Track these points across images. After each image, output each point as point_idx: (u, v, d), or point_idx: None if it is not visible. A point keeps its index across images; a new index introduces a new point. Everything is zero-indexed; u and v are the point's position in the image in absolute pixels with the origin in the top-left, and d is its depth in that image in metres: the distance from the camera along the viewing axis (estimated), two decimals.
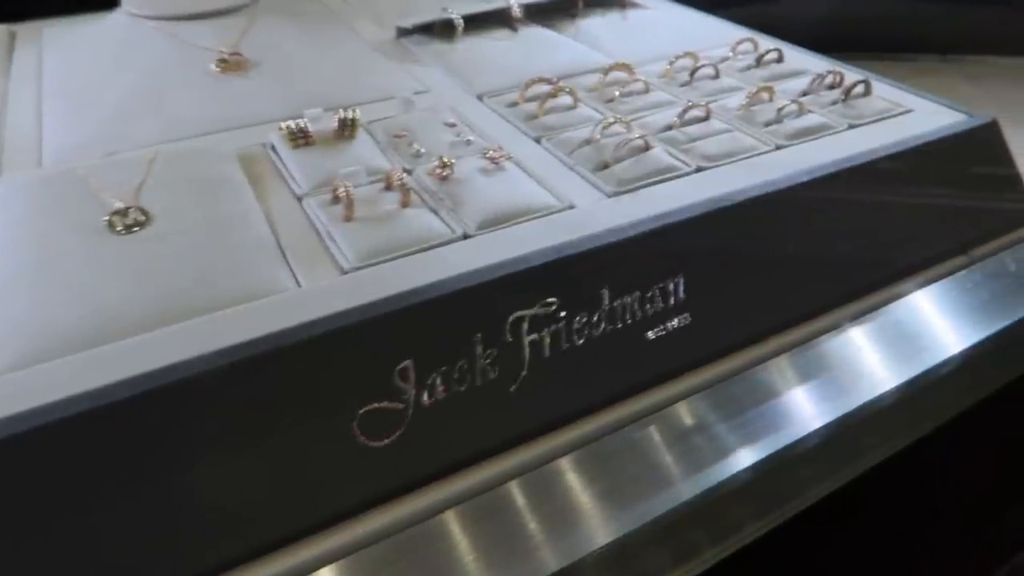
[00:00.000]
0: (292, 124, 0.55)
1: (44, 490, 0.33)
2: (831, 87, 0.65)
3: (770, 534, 0.46)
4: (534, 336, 0.42)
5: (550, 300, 0.42)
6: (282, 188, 0.52)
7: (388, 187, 0.50)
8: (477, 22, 0.76)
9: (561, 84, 0.63)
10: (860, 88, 0.64)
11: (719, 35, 0.77)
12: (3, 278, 0.43)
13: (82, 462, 0.34)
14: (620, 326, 0.45)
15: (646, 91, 0.65)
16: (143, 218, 0.47)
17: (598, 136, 0.56)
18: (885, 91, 0.65)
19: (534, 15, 0.79)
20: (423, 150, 0.55)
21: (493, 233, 0.47)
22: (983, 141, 0.61)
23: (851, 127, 0.60)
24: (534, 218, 0.49)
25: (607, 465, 0.42)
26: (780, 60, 0.71)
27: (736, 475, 0.42)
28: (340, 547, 0.37)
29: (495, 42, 0.74)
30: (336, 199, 0.49)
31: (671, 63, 0.68)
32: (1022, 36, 1.14)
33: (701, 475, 0.42)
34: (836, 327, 0.52)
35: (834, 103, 0.63)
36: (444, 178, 0.51)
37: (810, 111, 0.61)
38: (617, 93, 0.64)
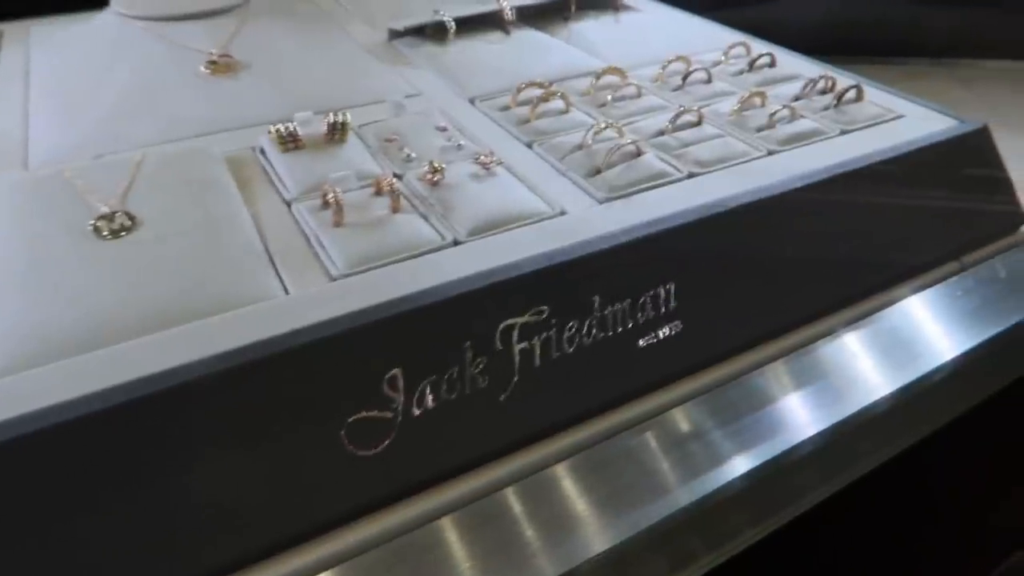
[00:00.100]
0: (282, 127, 0.54)
1: (31, 496, 0.33)
2: (823, 92, 0.65)
3: (766, 540, 0.46)
4: (524, 344, 0.42)
5: (541, 308, 0.42)
6: (271, 192, 0.52)
7: (378, 192, 0.50)
8: (469, 24, 0.75)
9: (553, 88, 0.62)
10: (852, 93, 0.64)
11: (712, 39, 0.77)
12: None
13: (65, 471, 0.34)
14: (611, 334, 0.44)
15: (638, 95, 0.65)
16: (129, 223, 0.46)
17: (590, 141, 0.56)
18: (877, 96, 0.66)
19: (527, 18, 0.79)
20: (414, 154, 0.55)
21: (484, 240, 0.47)
22: (974, 147, 0.61)
23: (843, 133, 0.60)
24: (525, 225, 0.48)
25: (603, 472, 0.42)
26: (772, 65, 0.71)
27: (732, 482, 0.42)
28: (332, 555, 0.37)
29: (487, 45, 0.74)
30: (326, 204, 0.48)
31: (664, 67, 0.68)
32: (1013, 39, 1.15)
33: (697, 482, 0.42)
34: (830, 333, 0.52)
35: (826, 108, 0.63)
36: (435, 183, 0.51)
37: (802, 116, 0.61)
38: (609, 97, 0.64)
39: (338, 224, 0.47)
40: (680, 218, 0.48)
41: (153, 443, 0.35)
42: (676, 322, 0.46)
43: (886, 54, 1.17)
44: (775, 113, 0.60)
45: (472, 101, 0.65)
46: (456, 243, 0.47)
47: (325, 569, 0.36)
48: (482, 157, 0.53)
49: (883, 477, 0.52)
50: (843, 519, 0.60)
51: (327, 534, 0.37)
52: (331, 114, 0.56)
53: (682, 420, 0.45)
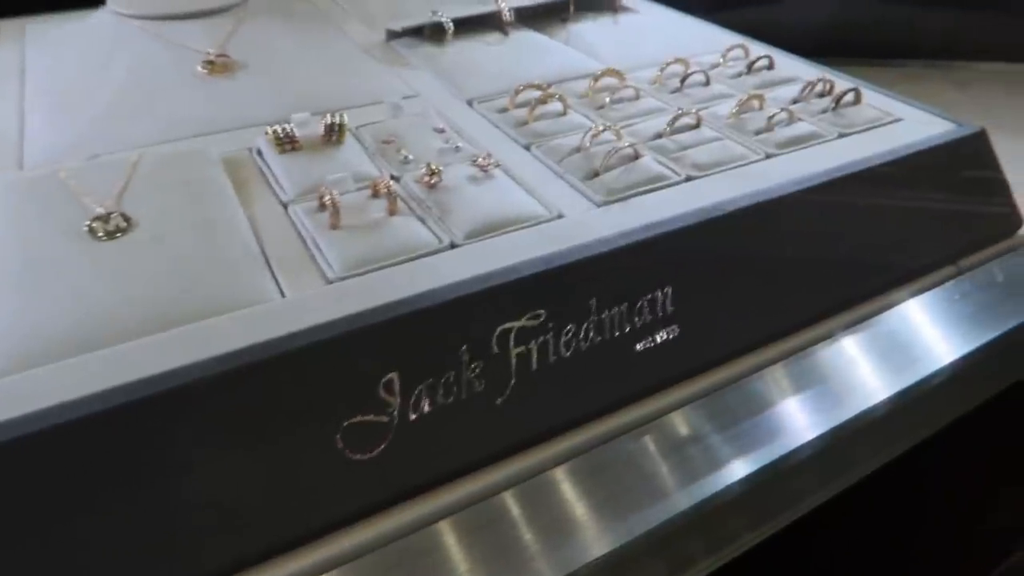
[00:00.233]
0: (279, 128, 0.54)
1: (23, 498, 0.33)
2: (821, 95, 0.65)
3: (765, 543, 0.47)
4: (521, 348, 0.42)
5: (538, 312, 0.42)
6: (268, 194, 0.52)
7: (375, 194, 0.50)
8: (467, 25, 0.75)
9: (551, 90, 0.62)
10: (850, 96, 0.64)
11: (710, 41, 0.77)
12: None
13: (59, 474, 0.33)
14: (608, 338, 0.44)
15: (636, 98, 0.65)
16: (125, 224, 0.46)
17: (588, 144, 0.55)
18: (875, 99, 0.66)
19: (525, 19, 0.79)
20: (411, 156, 0.55)
21: (481, 243, 0.47)
22: (972, 150, 0.61)
23: (841, 136, 0.60)
24: (522, 228, 0.48)
25: (602, 476, 0.42)
26: (771, 67, 0.71)
27: (731, 486, 0.42)
28: (327, 559, 0.37)
29: (486, 46, 0.74)
30: (322, 206, 0.48)
31: (662, 69, 0.68)
32: (1008, 42, 1.15)
33: (696, 486, 0.42)
34: (827, 337, 0.51)
35: (824, 111, 0.63)
36: (432, 186, 0.51)
37: (800, 119, 0.61)
38: (608, 99, 0.63)
39: (335, 226, 0.47)
40: (678, 222, 0.48)
41: (147, 446, 0.35)
42: (673, 326, 0.46)
43: (881, 56, 1.17)
44: (773, 116, 0.60)
45: (470, 103, 0.65)
46: (453, 246, 0.47)
47: (321, 573, 0.36)
48: (480, 159, 0.53)
49: (881, 481, 0.52)
50: (842, 523, 0.60)
51: (323, 538, 0.37)
52: (328, 115, 0.55)
53: (680, 424, 0.45)
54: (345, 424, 0.38)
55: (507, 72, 0.68)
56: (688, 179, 0.54)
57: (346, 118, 0.56)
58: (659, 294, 0.46)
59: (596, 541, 0.39)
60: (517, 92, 0.63)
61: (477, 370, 0.41)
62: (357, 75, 0.68)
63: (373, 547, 0.37)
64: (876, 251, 0.55)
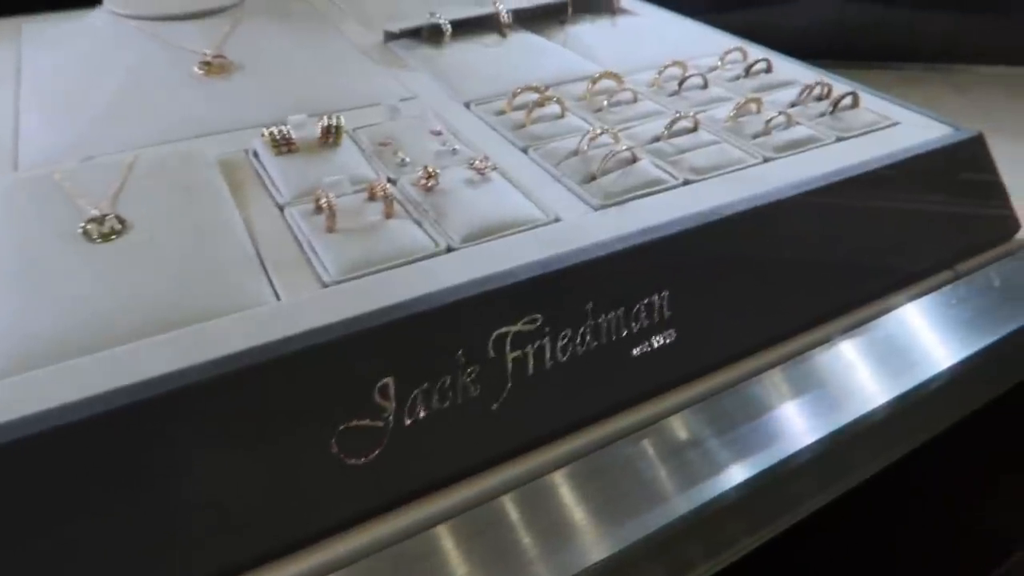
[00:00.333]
0: (275, 130, 0.54)
1: (13, 502, 0.33)
2: (819, 99, 0.65)
3: (764, 548, 0.46)
4: (517, 353, 0.41)
5: (534, 316, 0.42)
6: (264, 196, 0.51)
7: (372, 197, 0.49)
8: (465, 27, 0.75)
9: (549, 93, 0.62)
10: (848, 100, 0.64)
11: (709, 44, 0.77)
12: None
13: (50, 478, 0.33)
14: (605, 342, 0.44)
15: (634, 101, 0.64)
16: (120, 226, 0.46)
17: (585, 147, 0.55)
18: (873, 103, 0.65)
19: (523, 21, 0.79)
20: (408, 159, 0.55)
21: (477, 246, 0.47)
22: (969, 155, 0.61)
23: (839, 140, 0.60)
24: (519, 231, 0.48)
25: (600, 480, 0.41)
26: (769, 70, 0.71)
27: (729, 490, 0.42)
28: (323, 564, 0.37)
29: (483, 48, 0.74)
30: (319, 209, 0.48)
31: (660, 72, 0.68)
32: (1008, 45, 1.15)
33: (694, 490, 0.42)
34: (825, 342, 0.51)
35: (822, 115, 0.63)
36: (429, 189, 0.51)
37: (798, 123, 0.61)
38: (605, 102, 0.63)
39: (331, 229, 0.46)
40: (675, 226, 0.48)
41: (140, 451, 0.35)
42: (670, 330, 0.46)
43: (880, 59, 1.17)
44: (771, 120, 0.60)
45: (467, 105, 0.64)
46: (450, 250, 0.46)
47: None
48: (477, 162, 0.53)
49: (880, 484, 0.52)
50: (840, 526, 0.60)
51: (318, 543, 0.37)
52: (325, 117, 0.55)
53: (679, 428, 0.45)
54: (340, 429, 0.38)
55: (505, 74, 0.68)
56: (686, 183, 0.54)
57: (343, 120, 0.56)
58: (656, 298, 0.46)
59: (595, 545, 0.39)
60: (515, 94, 0.62)
61: (473, 375, 0.40)
62: (354, 77, 0.68)
63: (369, 552, 0.37)
64: (873, 256, 0.55)
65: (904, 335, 0.54)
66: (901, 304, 0.55)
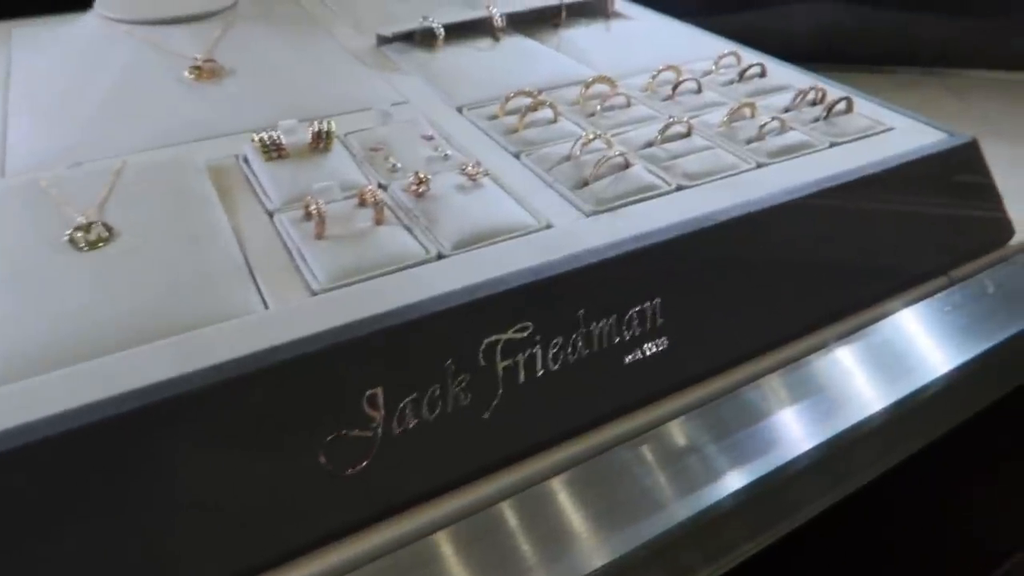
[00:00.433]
0: (265, 136, 0.54)
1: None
2: (813, 103, 0.65)
3: (763, 553, 0.46)
4: (508, 361, 0.41)
5: (525, 324, 0.41)
6: (253, 203, 0.51)
7: (362, 203, 0.49)
8: (458, 31, 0.75)
9: (542, 97, 0.62)
10: (842, 105, 0.64)
11: (703, 48, 0.77)
12: None
13: (32, 491, 0.33)
14: (597, 350, 0.44)
15: (628, 105, 0.64)
16: (107, 234, 0.45)
17: (578, 152, 0.55)
18: (867, 108, 0.65)
19: (516, 25, 0.78)
20: (400, 164, 0.54)
21: (468, 253, 0.46)
22: (963, 160, 0.61)
23: (832, 145, 0.60)
24: (510, 238, 0.48)
25: (598, 487, 0.41)
26: (763, 75, 0.71)
27: (728, 496, 0.42)
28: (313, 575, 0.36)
29: (476, 52, 0.73)
30: (308, 215, 0.48)
31: (654, 76, 0.68)
32: (1006, 49, 1.15)
33: (693, 496, 0.42)
34: (821, 348, 0.51)
35: (816, 120, 0.63)
36: (420, 195, 0.50)
37: (792, 128, 0.61)
38: (599, 107, 0.63)
39: (320, 236, 0.46)
40: (668, 232, 0.47)
41: (126, 462, 0.34)
42: (663, 338, 0.46)
43: (878, 63, 1.16)
44: (765, 125, 0.60)
45: (460, 109, 0.64)
46: (440, 257, 0.46)
47: None
48: (468, 168, 0.52)
49: (878, 490, 0.52)
50: (839, 532, 0.60)
51: (305, 556, 0.37)
52: (316, 122, 0.55)
53: (677, 435, 0.45)
54: (328, 439, 0.37)
55: (498, 79, 0.67)
56: (679, 188, 0.54)
57: (334, 125, 0.55)
58: (648, 306, 0.45)
59: (594, 552, 0.39)
60: (507, 99, 0.62)
61: (463, 383, 0.40)
62: (346, 81, 0.68)
63: (360, 563, 0.37)
64: (867, 262, 0.55)
65: (900, 341, 0.53)
66: (896, 310, 0.55)
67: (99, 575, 0.33)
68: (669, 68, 0.68)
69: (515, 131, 0.60)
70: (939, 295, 0.57)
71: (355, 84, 0.68)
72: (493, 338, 0.41)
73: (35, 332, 0.39)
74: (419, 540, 0.38)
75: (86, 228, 0.45)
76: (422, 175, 0.51)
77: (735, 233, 0.49)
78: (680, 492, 0.42)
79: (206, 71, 0.65)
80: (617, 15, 0.84)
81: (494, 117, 0.62)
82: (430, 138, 0.58)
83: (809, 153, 0.58)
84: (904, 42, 1.18)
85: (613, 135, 0.58)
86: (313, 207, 0.47)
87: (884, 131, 0.62)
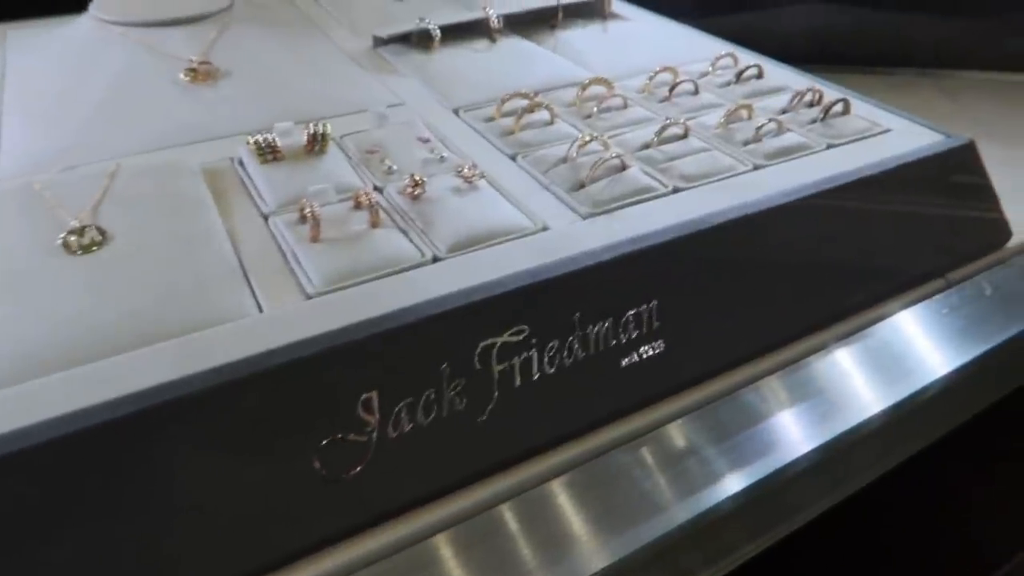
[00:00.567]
0: (260, 138, 0.53)
1: None
2: (810, 105, 0.65)
3: (763, 555, 0.46)
4: (504, 365, 0.41)
5: (521, 327, 0.41)
6: (248, 205, 0.51)
7: (357, 206, 0.49)
8: (455, 33, 0.74)
9: (538, 99, 0.62)
10: (839, 107, 0.64)
11: (700, 49, 0.77)
12: None
13: (22, 498, 0.32)
14: (593, 353, 0.44)
15: (624, 107, 0.64)
16: (100, 238, 0.45)
17: (574, 154, 0.55)
18: (864, 109, 0.65)
19: (513, 26, 0.78)
20: (395, 167, 0.54)
21: (464, 256, 0.46)
22: (960, 162, 0.61)
23: (829, 147, 0.60)
24: (506, 240, 0.47)
25: (598, 490, 0.41)
26: (760, 76, 0.71)
27: (728, 499, 0.42)
28: None
29: (473, 53, 0.73)
30: (303, 218, 0.47)
31: (650, 78, 0.68)
32: (1000, 51, 1.15)
33: (693, 499, 0.42)
34: (819, 350, 0.51)
35: (813, 122, 0.63)
36: (416, 197, 0.50)
37: (789, 130, 0.61)
38: (595, 109, 0.63)
39: (315, 239, 0.46)
40: (664, 234, 0.47)
41: (120, 467, 0.34)
42: (660, 340, 0.46)
43: (872, 64, 1.17)
44: (762, 127, 0.60)
45: (456, 112, 0.64)
46: (436, 260, 0.46)
47: None
48: (465, 170, 0.52)
49: (877, 491, 0.52)
50: (838, 533, 0.60)
51: (301, 560, 0.36)
52: (311, 125, 0.54)
53: (677, 437, 0.45)
54: (323, 443, 0.37)
55: (494, 80, 0.67)
56: (675, 191, 0.53)
57: (329, 127, 0.55)
58: (645, 308, 0.45)
59: (594, 555, 0.39)
60: (504, 101, 0.62)
61: (459, 387, 0.40)
62: (342, 83, 0.68)
63: (355, 568, 0.37)
64: (864, 264, 0.55)
65: (898, 343, 0.53)
66: (893, 312, 0.55)
67: None
68: (666, 70, 0.68)
69: (511, 133, 0.59)
70: (937, 297, 0.57)
71: (351, 86, 0.67)
72: (489, 341, 0.40)
73: (28, 336, 0.39)
74: (415, 544, 0.38)
75: (80, 232, 0.45)
76: (418, 177, 0.50)
77: (732, 235, 0.49)
78: (679, 494, 0.42)
79: (201, 73, 0.65)
80: (614, 16, 0.84)
81: (490, 119, 0.62)
82: (426, 140, 0.58)
83: (806, 155, 0.58)
84: (898, 43, 1.18)
85: (610, 137, 0.58)
86: (308, 210, 0.46)
87: (881, 133, 0.62)
